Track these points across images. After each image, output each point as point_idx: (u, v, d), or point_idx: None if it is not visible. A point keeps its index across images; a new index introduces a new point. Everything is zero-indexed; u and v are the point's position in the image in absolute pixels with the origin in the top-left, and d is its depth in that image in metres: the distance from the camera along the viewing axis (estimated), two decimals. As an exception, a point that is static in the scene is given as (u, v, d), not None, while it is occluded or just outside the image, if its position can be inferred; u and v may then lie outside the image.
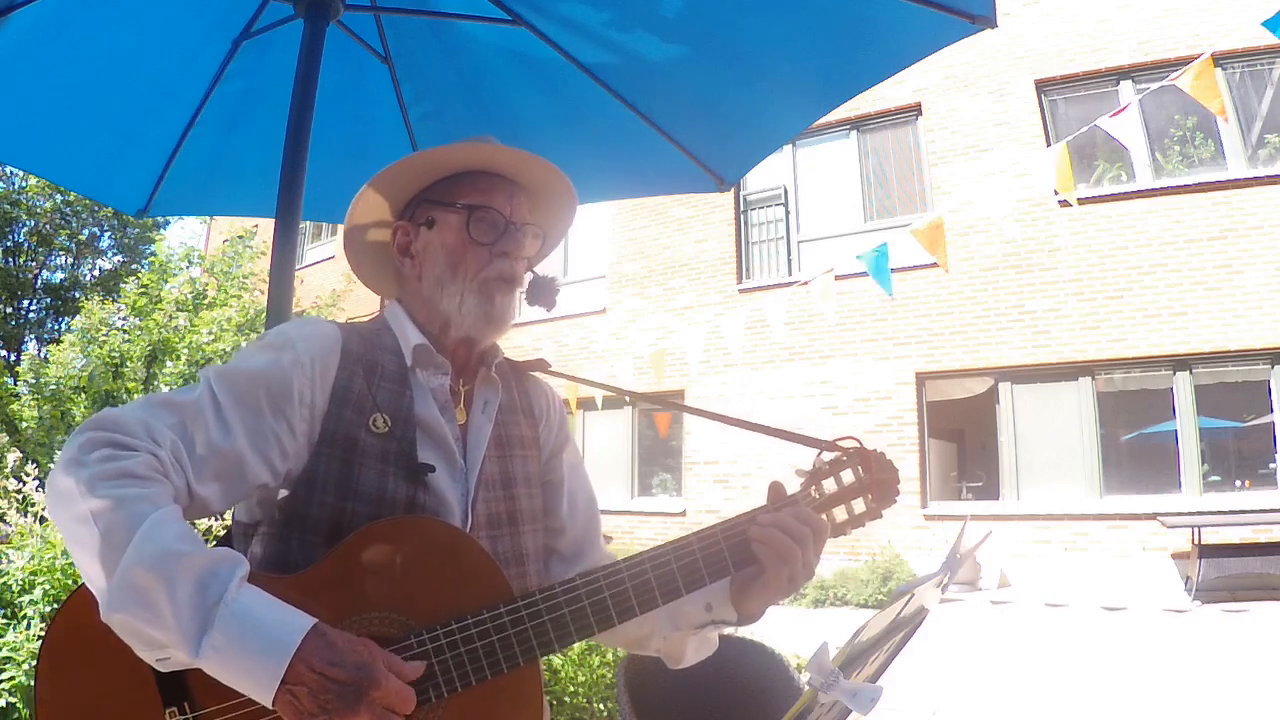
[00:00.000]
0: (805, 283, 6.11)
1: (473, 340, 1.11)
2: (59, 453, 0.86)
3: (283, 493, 0.98)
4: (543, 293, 1.16)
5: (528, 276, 1.15)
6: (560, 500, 1.19)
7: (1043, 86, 9.19)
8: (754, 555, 0.99)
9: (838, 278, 5.52)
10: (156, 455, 0.85)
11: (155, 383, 9.02)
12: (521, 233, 1.10)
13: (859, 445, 1.06)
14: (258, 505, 1.00)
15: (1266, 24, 3.22)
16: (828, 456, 1.07)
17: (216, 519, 2.72)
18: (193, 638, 0.77)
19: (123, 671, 0.85)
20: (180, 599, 0.77)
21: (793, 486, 1.07)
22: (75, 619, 0.89)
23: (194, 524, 1.06)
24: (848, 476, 1.06)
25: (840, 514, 1.05)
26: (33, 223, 18.47)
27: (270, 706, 0.79)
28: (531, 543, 1.11)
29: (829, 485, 1.06)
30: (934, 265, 9.13)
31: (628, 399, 10.61)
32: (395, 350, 1.08)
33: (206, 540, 0.89)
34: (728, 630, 1.16)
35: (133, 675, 0.85)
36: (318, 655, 0.79)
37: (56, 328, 19.26)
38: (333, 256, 14.71)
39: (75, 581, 2.81)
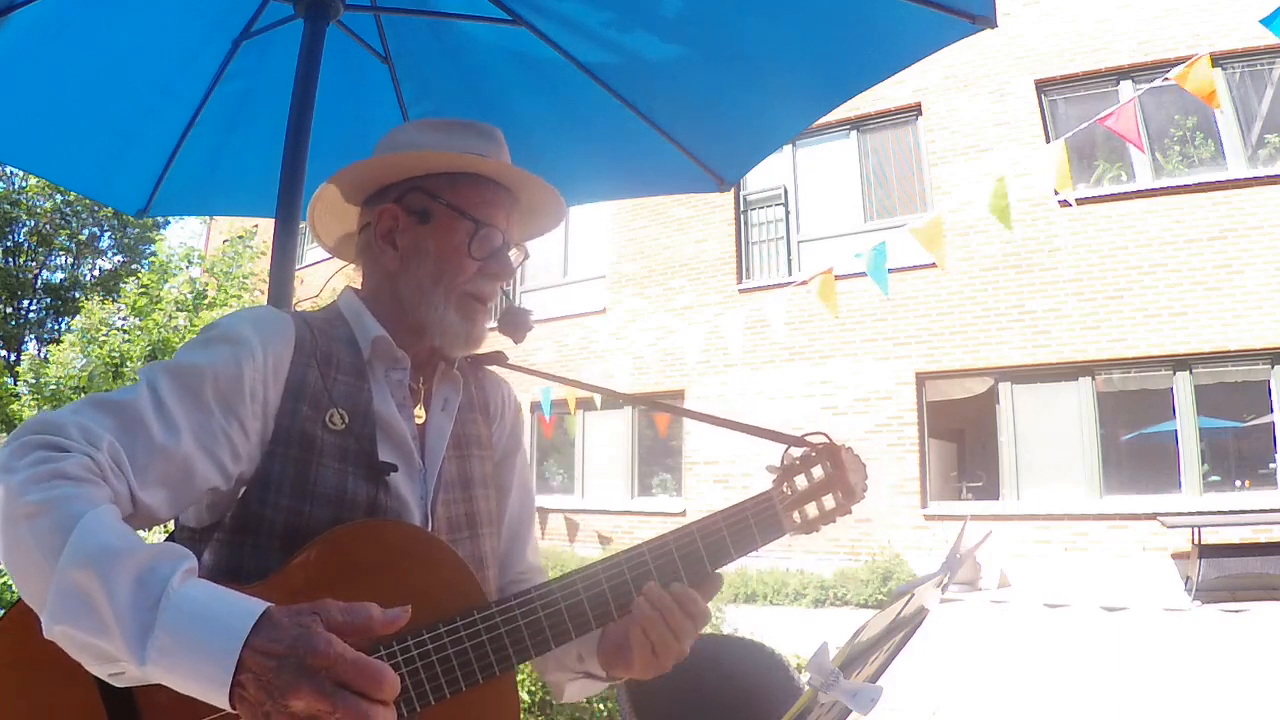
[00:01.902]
0: (804, 282, 6.12)
1: (443, 351, 1.06)
2: None
3: (234, 496, 0.91)
4: (515, 324, 1.11)
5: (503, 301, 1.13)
6: (505, 503, 1.16)
7: (1043, 86, 9.19)
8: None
9: (838, 277, 5.52)
10: (93, 458, 0.78)
11: (155, 383, 9.03)
12: (511, 256, 1.07)
13: (828, 441, 1.06)
14: (206, 509, 0.93)
15: (1264, 21, 3.22)
16: (797, 452, 1.06)
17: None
18: (136, 642, 0.67)
19: (67, 694, 0.79)
20: (120, 600, 0.68)
21: (766, 483, 1.06)
22: (13, 638, 0.80)
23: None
24: (818, 472, 1.05)
25: (812, 510, 1.04)
26: (33, 223, 18.49)
27: (231, 708, 0.68)
28: (489, 546, 1.08)
29: (800, 481, 1.04)
30: (934, 265, 9.14)
31: (633, 388, 10.61)
32: (351, 341, 1.02)
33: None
34: (727, 630, 1.15)
35: (78, 698, 0.79)
36: (264, 636, 0.68)
37: (56, 328, 19.28)
38: (333, 256, 14.68)
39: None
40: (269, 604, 0.71)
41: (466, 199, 1.03)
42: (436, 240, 1.03)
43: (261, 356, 0.92)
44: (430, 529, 1.00)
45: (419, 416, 1.05)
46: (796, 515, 1.02)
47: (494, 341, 1.11)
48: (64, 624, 0.68)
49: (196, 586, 0.71)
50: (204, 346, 0.92)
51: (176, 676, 0.68)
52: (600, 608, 0.94)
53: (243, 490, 0.91)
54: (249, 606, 0.70)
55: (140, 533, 0.80)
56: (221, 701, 0.68)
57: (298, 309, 1.08)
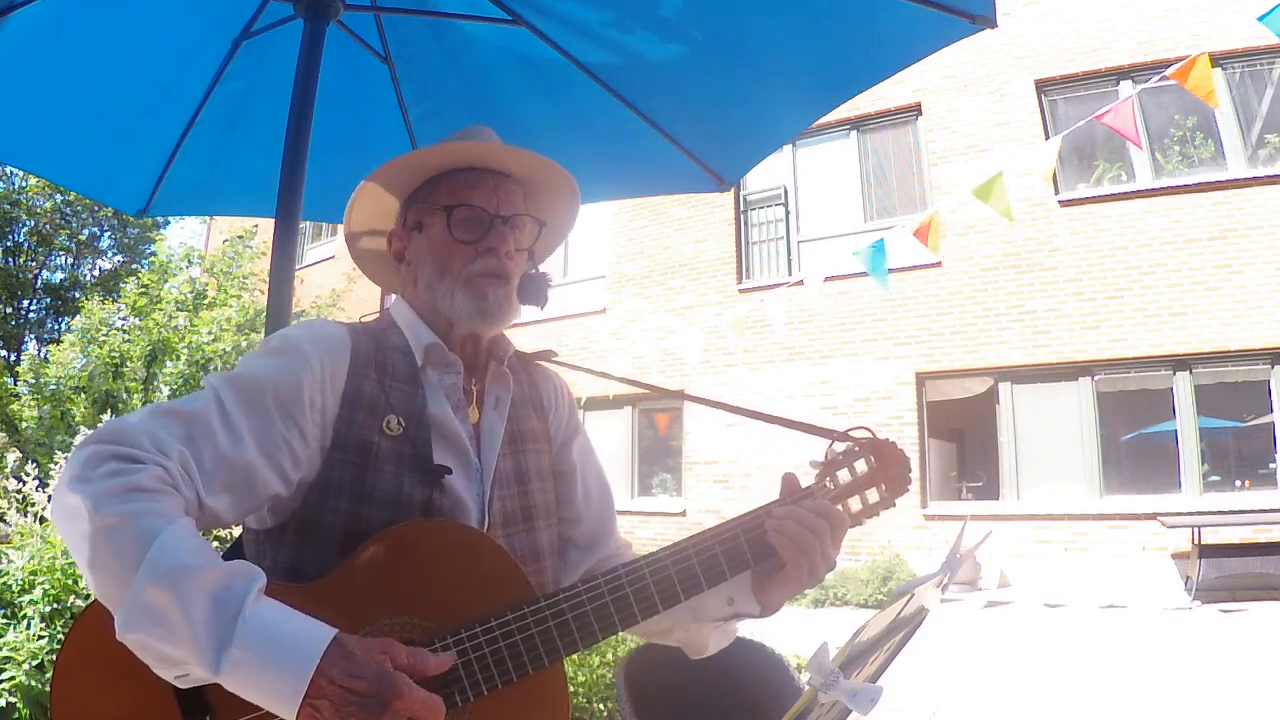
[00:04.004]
0: (799, 282, 6.11)
1: (478, 334, 1.09)
2: (60, 454, 0.84)
3: (296, 500, 0.96)
4: (533, 290, 1.10)
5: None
6: (574, 490, 1.18)
7: (1043, 86, 9.18)
8: (773, 549, 1.00)
9: (837, 278, 5.53)
10: (165, 467, 0.83)
11: (155, 383, 9.00)
12: (508, 225, 1.08)
13: (871, 435, 1.08)
14: (269, 513, 0.98)
15: (1262, 19, 3.22)
16: (840, 447, 1.08)
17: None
18: (211, 655, 0.76)
19: (141, 687, 0.83)
20: (196, 616, 0.75)
21: (807, 479, 1.08)
22: (89, 635, 0.87)
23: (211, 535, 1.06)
24: (860, 467, 1.07)
25: (855, 504, 1.06)
26: (33, 223, 18.46)
27: None
28: (546, 538, 1.10)
29: (843, 476, 1.07)
30: (934, 265, 9.14)
31: (631, 387, 10.59)
32: (405, 349, 1.06)
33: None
34: (727, 630, 1.16)
35: (151, 690, 0.83)
36: (339, 667, 0.78)
37: (56, 328, 19.26)
38: (333, 256, 14.70)
39: (75, 581, 2.81)
40: (336, 630, 0.80)
41: (444, 194, 1.08)
42: (429, 241, 1.09)
43: (319, 368, 0.97)
44: (486, 524, 1.03)
45: (473, 417, 1.08)
46: (841, 510, 1.04)
47: (530, 341, 1.11)
48: (138, 633, 0.76)
49: (269, 607, 0.80)
50: (264, 358, 0.98)
51: (247, 687, 0.77)
52: (646, 601, 0.97)
53: (303, 495, 0.96)
54: (320, 633, 0.79)
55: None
56: (287, 713, 0.77)
57: (302, 313, 1.10)
